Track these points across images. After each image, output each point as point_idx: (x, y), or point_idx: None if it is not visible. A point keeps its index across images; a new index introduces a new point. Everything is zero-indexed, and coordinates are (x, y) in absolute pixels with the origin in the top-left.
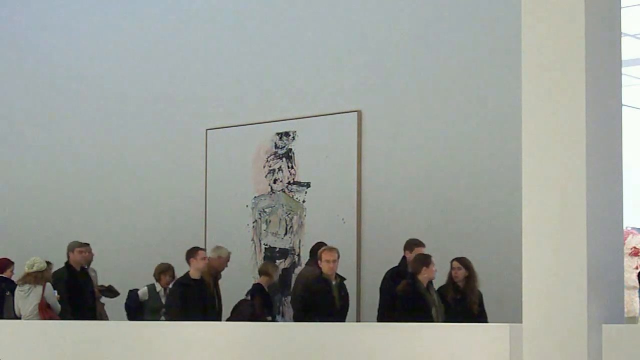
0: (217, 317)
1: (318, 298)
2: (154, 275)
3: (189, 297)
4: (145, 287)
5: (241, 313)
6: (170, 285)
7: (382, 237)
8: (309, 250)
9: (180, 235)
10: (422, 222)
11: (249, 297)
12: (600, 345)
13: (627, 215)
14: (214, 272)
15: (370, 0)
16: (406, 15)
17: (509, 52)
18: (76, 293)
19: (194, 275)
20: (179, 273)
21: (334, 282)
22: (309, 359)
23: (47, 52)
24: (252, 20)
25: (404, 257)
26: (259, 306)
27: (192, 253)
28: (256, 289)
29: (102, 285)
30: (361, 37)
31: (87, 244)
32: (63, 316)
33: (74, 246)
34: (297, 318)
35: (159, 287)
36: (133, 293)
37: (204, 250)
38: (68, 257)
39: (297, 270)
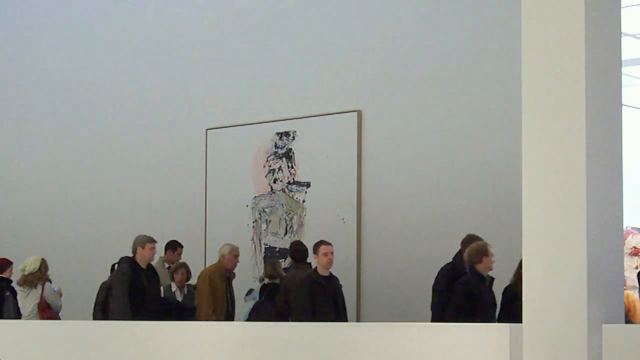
0: (229, 319)
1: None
2: (169, 274)
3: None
4: (161, 287)
5: (263, 315)
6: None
7: (382, 237)
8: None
9: (180, 235)
10: (422, 222)
11: (262, 299)
12: (600, 345)
13: (627, 215)
14: (225, 272)
15: (370, 1)
16: (406, 15)
17: (509, 52)
18: (140, 294)
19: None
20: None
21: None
22: (308, 359)
23: (47, 52)
24: (252, 21)
25: (459, 253)
26: (282, 307)
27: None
28: (272, 290)
29: None
30: (361, 37)
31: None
32: (117, 318)
33: (144, 241)
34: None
35: (174, 287)
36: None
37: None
38: (135, 252)
39: None
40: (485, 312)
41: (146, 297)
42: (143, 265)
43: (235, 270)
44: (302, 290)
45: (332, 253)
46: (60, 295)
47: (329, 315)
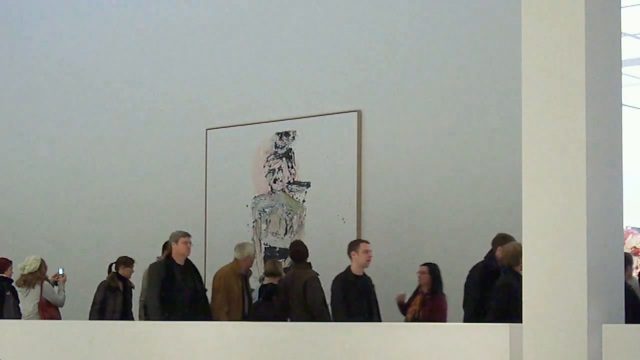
0: (246, 318)
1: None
2: None
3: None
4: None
5: (261, 315)
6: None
7: (382, 237)
8: (311, 250)
9: None
10: (422, 222)
11: (261, 299)
12: (600, 345)
13: (627, 215)
14: (243, 272)
15: (370, 1)
16: (406, 16)
17: (509, 52)
18: (174, 291)
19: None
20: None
21: None
22: (308, 359)
23: (47, 52)
24: (252, 21)
25: (490, 253)
26: (279, 307)
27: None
28: (272, 290)
29: None
30: (361, 37)
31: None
32: (150, 317)
33: (178, 236)
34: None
35: None
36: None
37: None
38: (170, 248)
39: None
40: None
41: (179, 295)
42: (179, 261)
43: None
44: (336, 291)
45: (371, 251)
46: (64, 281)
47: (363, 314)
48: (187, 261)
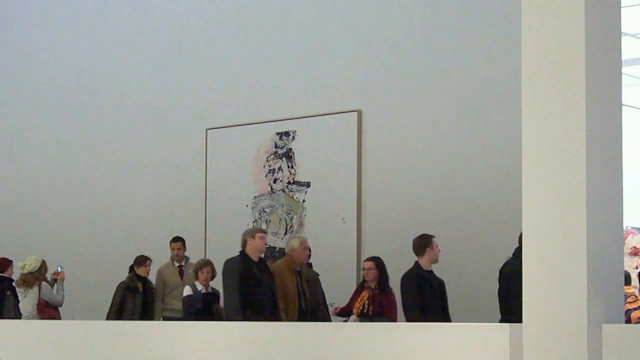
0: (302, 317)
1: None
2: (192, 272)
3: None
4: (188, 287)
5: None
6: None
7: (382, 237)
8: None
9: (181, 235)
10: (423, 222)
11: None
12: (600, 345)
13: (627, 215)
14: (296, 267)
15: (370, 1)
16: (406, 15)
17: (509, 52)
18: (252, 288)
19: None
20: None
21: None
22: (308, 359)
23: (47, 52)
24: (252, 21)
25: (519, 249)
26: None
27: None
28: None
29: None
30: (361, 37)
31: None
32: (230, 316)
33: (254, 231)
34: None
35: (200, 286)
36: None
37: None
38: (245, 244)
39: None
40: None
41: (258, 292)
42: (254, 257)
43: None
44: (409, 286)
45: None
46: (63, 280)
47: (437, 310)
48: (261, 259)
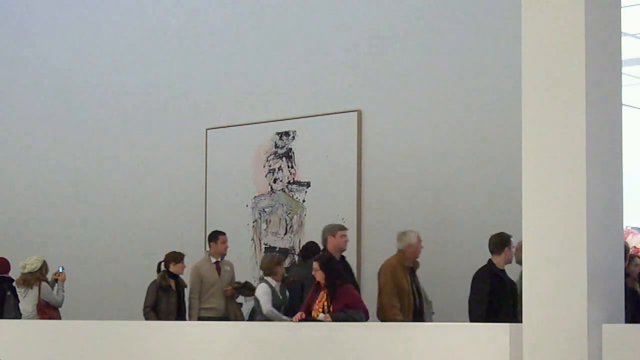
0: (417, 316)
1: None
2: (264, 270)
3: None
4: (265, 285)
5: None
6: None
7: (382, 237)
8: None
9: (181, 235)
10: (423, 222)
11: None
12: (600, 345)
13: (627, 215)
14: (410, 263)
15: (370, 1)
16: (406, 15)
17: (509, 52)
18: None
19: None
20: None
21: None
22: (308, 359)
23: (48, 52)
24: (252, 21)
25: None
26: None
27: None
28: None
29: (237, 282)
30: (361, 37)
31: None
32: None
33: (336, 229)
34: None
35: (274, 283)
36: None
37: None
38: (325, 242)
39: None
40: None
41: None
42: (337, 255)
43: (235, 270)
44: (480, 283)
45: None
46: (63, 280)
47: (508, 309)
48: (342, 258)
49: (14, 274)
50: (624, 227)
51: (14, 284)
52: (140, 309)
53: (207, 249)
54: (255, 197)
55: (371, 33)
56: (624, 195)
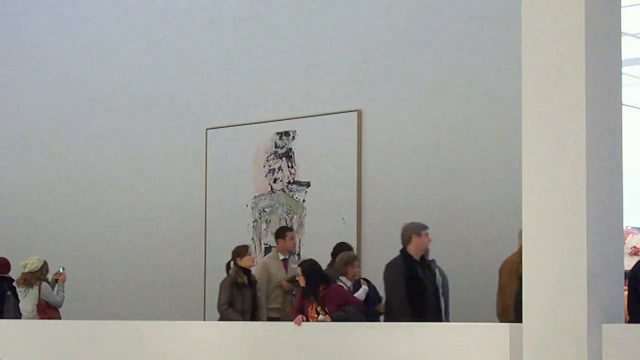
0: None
1: None
2: (340, 269)
3: None
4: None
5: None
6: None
7: (382, 237)
8: (310, 249)
9: (180, 235)
10: (422, 221)
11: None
12: (600, 345)
13: (627, 215)
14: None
15: (371, 1)
16: (406, 15)
17: (509, 52)
18: (419, 289)
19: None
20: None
21: None
22: (308, 359)
23: (47, 51)
24: (252, 20)
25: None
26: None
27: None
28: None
29: (294, 277)
30: (361, 37)
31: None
32: (398, 318)
33: (419, 227)
34: None
35: (348, 282)
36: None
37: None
38: (408, 242)
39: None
40: None
41: (424, 293)
42: (416, 256)
43: None
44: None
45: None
46: (64, 281)
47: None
48: (423, 258)
49: (14, 273)
50: (624, 227)
51: (14, 283)
52: (140, 309)
53: (275, 245)
54: (255, 197)
55: (371, 33)
56: (624, 195)
